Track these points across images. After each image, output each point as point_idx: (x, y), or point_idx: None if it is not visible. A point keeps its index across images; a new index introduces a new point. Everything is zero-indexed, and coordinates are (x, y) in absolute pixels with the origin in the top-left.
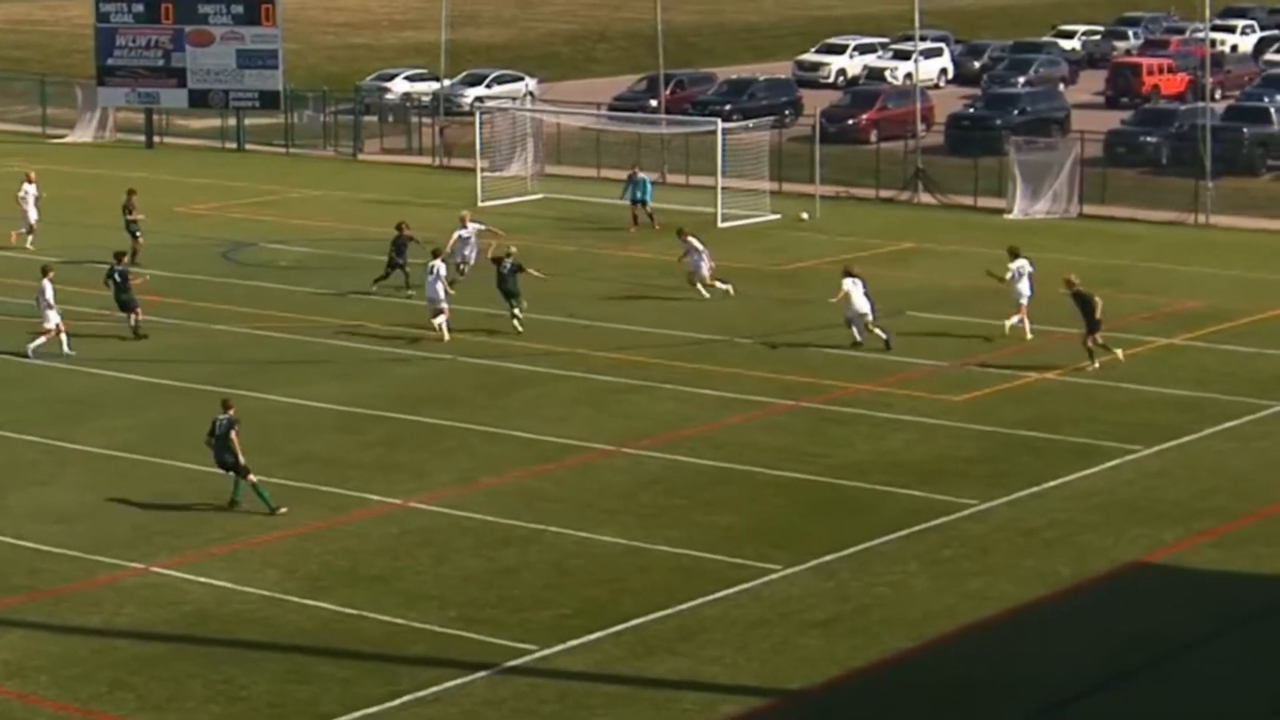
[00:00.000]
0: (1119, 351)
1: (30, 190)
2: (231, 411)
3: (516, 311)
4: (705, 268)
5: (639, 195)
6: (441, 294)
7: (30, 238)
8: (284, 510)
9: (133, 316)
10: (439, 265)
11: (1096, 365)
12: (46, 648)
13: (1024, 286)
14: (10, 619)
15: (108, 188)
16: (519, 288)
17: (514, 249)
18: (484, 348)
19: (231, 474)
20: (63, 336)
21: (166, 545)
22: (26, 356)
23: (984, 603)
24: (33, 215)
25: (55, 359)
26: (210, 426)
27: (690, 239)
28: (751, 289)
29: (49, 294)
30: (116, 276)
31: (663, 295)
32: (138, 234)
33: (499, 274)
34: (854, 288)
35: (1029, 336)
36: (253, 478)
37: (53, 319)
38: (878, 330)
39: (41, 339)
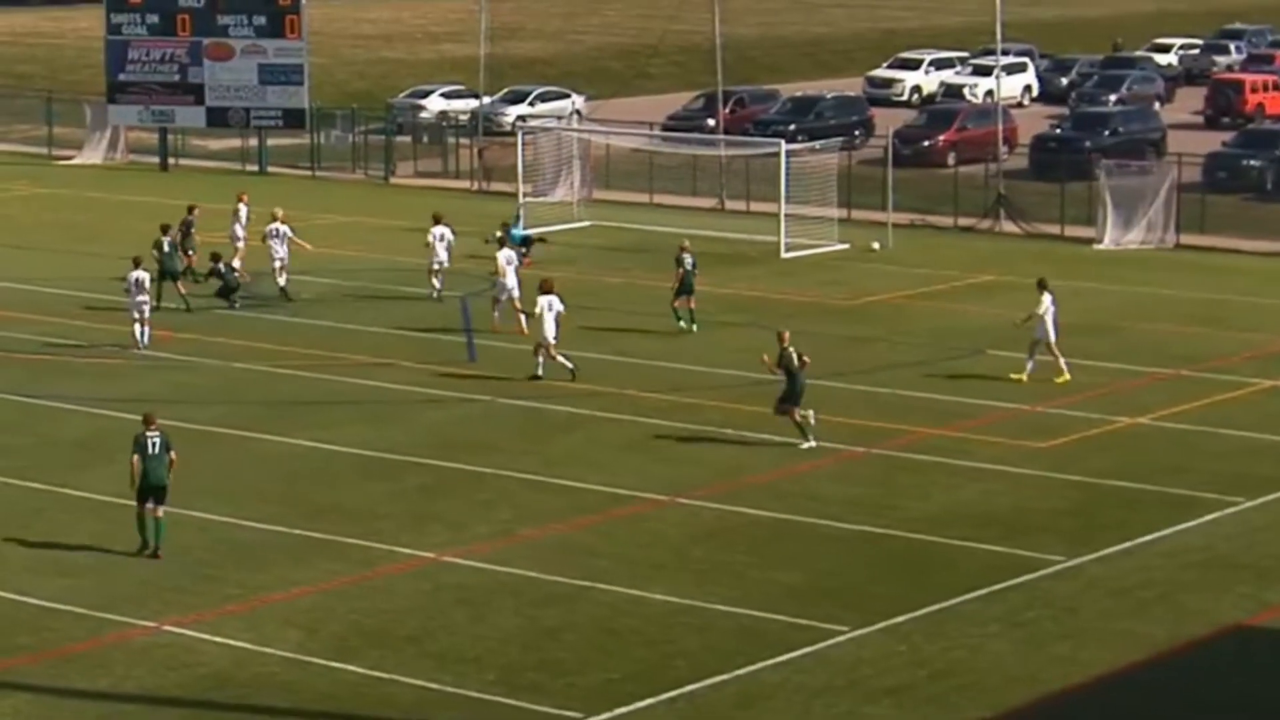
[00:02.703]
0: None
1: (243, 211)
2: (155, 425)
3: (693, 307)
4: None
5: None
6: (514, 283)
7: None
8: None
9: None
10: (512, 255)
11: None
12: (52, 713)
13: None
14: (14, 681)
15: (116, 213)
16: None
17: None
18: (523, 388)
19: (150, 512)
20: (143, 328)
21: (179, 602)
22: (140, 348)
23: (1071, 669)
24: (240, 235)
25: (64, 399)
26: (139, 445)
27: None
28: (817, 325)
29: (147, 282)
30: (221, 267)
31: (719, 332)
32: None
33: (686, 270)
34: (549, 309)
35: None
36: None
37: (145, 307)
38: (561, 358)
39: (147, 329)
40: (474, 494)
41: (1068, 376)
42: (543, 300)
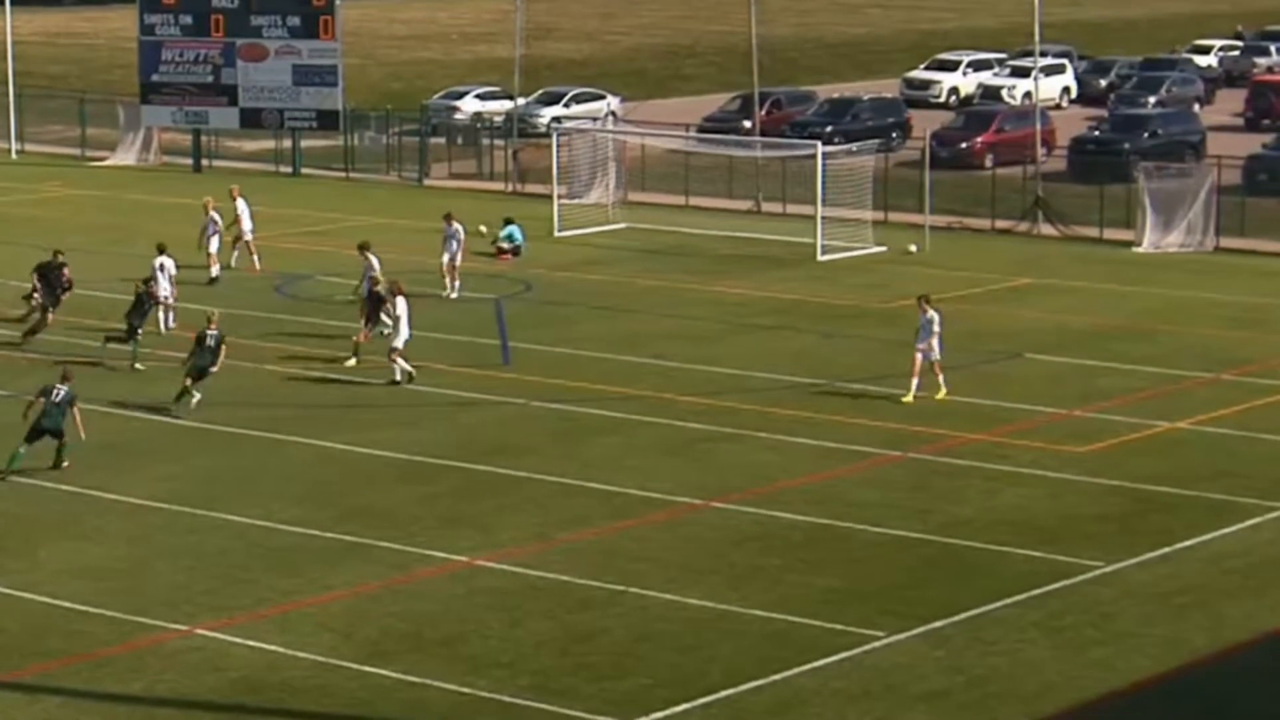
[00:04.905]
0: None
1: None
2: (71, 383)
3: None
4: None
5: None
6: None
7: (240, 259)
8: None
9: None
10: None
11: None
12: (84, 717)
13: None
14: (46, 685)
15: (148, 215)
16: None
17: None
18: (559, 390)
19: (44, 443)
20: (167, 314)
21: (212, 605)
22: (162, 332)
23: (1109, 675)
24: (247, 226)
25: (96, 401)
26: (44, 391)
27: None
28: (854, 328)
29: (173, 269)
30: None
31: (756, 335)
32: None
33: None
34: (404, 311)
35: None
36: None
37: (170, 295)
38: (401, 361)
39: (170, 315)
40: (508, 497)
41: (912, 400)
42: (401, 302)
